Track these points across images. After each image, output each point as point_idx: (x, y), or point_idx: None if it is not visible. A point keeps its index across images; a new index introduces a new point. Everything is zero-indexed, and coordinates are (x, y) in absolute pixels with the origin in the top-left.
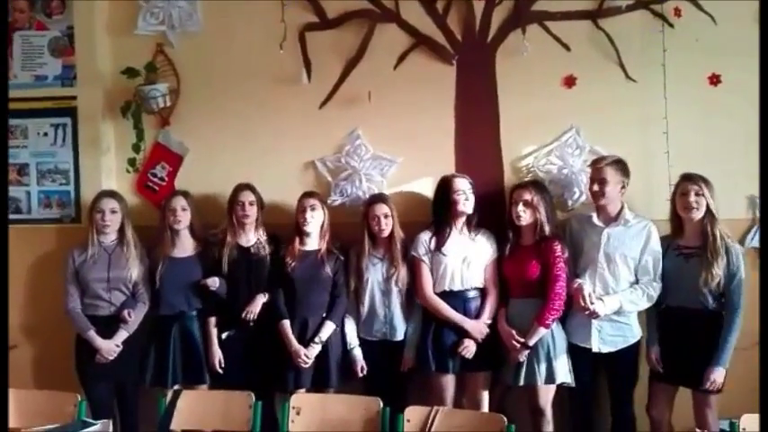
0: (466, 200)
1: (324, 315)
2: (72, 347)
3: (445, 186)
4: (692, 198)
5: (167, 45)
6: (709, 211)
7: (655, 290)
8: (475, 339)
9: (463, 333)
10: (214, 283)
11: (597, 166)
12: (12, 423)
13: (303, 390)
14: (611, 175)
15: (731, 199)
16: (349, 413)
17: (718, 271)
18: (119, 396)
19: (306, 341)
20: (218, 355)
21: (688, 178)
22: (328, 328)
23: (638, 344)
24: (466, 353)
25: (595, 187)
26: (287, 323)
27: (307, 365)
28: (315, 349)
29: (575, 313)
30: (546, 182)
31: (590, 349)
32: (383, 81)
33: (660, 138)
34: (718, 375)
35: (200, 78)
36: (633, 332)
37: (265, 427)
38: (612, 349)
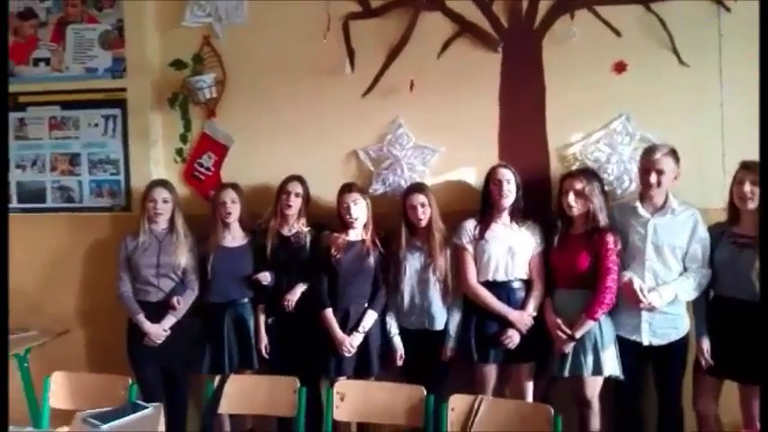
0: (502, 190)
1: (365, 305)
2: (124, 332)
3: (487, 176)
4: (748, 188)
5: (214, 37)
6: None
7: (705, 277)
8: (519, 330)
9: (506, 323)
10: (265, 278)
11: (654, 156)
12: (66, 405)
13: (344, 377)
14: (668, 165)
15: None
16: (392, 400)
17: None
18: (166, 380)
19: (348, 330)
20: (264, 340)
21: (746, 167)
22: (370, 318)
23: (687, 335)
24: (509, 343)
25: (653, 178)
26: (330, 312)
27: (350, 354)
28: (358, 338)
29: (623, 305)
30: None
31: (637, 342)
32: (426, 70)
33: (714, 125)
34: None
35: (245, 70)
36: (684, 323)
37: (310, 412)
38: (664, 342)
